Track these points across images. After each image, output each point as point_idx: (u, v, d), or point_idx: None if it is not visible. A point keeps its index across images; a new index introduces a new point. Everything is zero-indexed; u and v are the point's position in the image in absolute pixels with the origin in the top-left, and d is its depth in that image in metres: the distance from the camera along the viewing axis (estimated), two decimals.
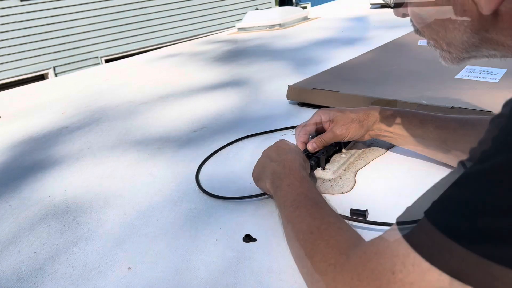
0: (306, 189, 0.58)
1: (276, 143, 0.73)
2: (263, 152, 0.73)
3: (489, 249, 0.31)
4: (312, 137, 0.77)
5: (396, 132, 0.72)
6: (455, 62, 0.45)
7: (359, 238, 0.47)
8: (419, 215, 0.37)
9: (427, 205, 0.37)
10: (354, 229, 0.49)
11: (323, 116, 0.76)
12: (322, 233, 0.49)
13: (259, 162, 0.72)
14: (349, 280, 0.40)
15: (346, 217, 0.59)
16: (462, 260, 0.32)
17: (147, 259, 0.61)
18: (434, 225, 0.35)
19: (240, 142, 0.96)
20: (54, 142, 1.13)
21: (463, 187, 0.35)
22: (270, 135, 0.96)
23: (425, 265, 0.34)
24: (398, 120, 0.71)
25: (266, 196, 0.71)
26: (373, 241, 0.41)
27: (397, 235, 0.38)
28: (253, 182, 0.72)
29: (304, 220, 0.52)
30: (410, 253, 0.36)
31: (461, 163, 0.44)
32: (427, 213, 0.36)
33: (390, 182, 0.72)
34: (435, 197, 0.37)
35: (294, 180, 0.60)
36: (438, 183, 0.40)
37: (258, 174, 0.70)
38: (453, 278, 0.33)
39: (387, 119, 0.72)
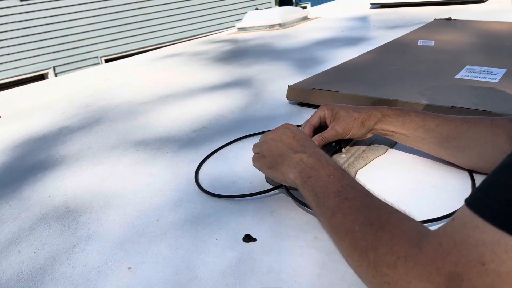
0: (351, 181, 0.55)
1: (285, 125, 0.69)
2: (270, 135, 0.68)
3: None
4: (315, 132, 0.77)
5: (397, 131, 0.73)
6: None
7: (424, 227, 0.43)
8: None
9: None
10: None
11: (327, 111, 0.77)
12: (384, 224, 0.44)
13: (270, 148, 0.66)
14: (428, 275, 0.36)
15: None
16: None
17: (147, 259, 0.61)
18: None
19: (240, 142, 0.96)
20: (54, 142, 1.13)
21: None
22: None
23: None
24: (400, 119, 0.72)
25: (266, 194, 0.71)
26: (445, 231, 0.37)
27: (474, 221, 0.33)
28: (253, 182, 0.71)
29: (359, 211, 0.48)
30: (500, 239, 0.31)
31: None
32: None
33: (390, 182, 0.72)
34: None
35: (335, 171, 0.57)
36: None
37: (272, 162, 0.65)
38: None
39: (389, 119, 0.73)
